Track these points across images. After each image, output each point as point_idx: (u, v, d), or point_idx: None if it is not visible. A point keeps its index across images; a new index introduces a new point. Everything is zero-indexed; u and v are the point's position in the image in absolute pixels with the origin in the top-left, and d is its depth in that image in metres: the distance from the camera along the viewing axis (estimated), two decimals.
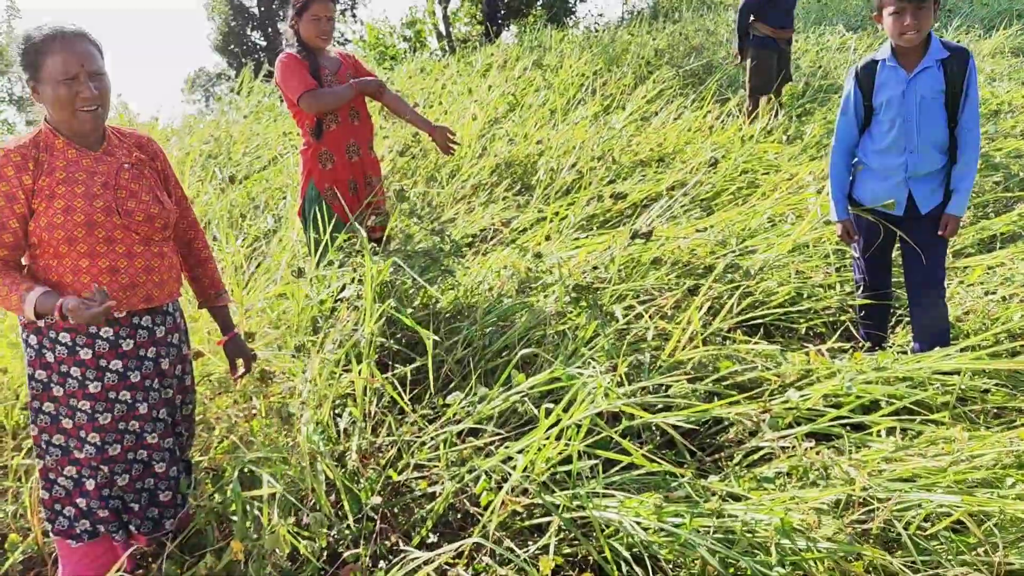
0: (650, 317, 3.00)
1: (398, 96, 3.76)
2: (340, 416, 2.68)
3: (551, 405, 2.37)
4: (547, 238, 3.64)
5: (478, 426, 2.48)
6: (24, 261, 2.02)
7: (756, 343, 3.06)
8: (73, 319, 1.76)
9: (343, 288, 3.16)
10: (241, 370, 2.40)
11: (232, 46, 25.69)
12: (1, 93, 17.84)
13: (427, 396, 2.92)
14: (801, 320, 3.44)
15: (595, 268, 3.17)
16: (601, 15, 16.56)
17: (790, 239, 3.56)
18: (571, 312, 2.94)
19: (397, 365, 3.10)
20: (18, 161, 1.92)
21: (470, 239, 4.60)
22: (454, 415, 2.83)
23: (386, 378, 2.94)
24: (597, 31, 10.73)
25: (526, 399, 2.57)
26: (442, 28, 13.96)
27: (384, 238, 3.89)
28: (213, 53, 26.35)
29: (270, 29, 25.87)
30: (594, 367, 2.38)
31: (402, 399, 2.67)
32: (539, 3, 15.65)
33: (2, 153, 1.91)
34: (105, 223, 1.96)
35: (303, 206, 3.67)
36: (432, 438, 2.56)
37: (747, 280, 3.29)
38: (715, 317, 3.29)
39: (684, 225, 3.88)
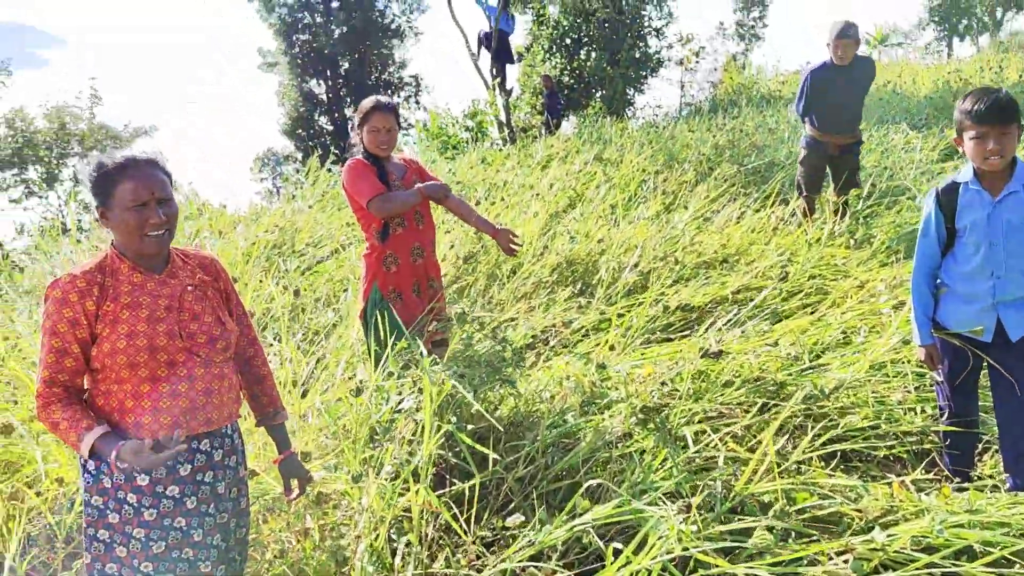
0: (721, 440, 2.86)
1: (462, 200, 3.78)
2: (395, 539, 2.58)
3: (619, 546, 2.23)
4: (611, 348, 3.54)
5: (535, 564, 2.34)
6: (85, 385, 2.01)
7: (834, 472, 2.88)
8: (132, 464, 1.73)
9: (401, 399, 3.09)
10: (296, 492, 2.33)
11: (300, 130, 26.69)
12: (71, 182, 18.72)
13: (487, 514, 2.81)
14: (881, 446, 3.24)
15: (662, 384, 3.06)
16: (659, 107, 16.78)
17: (867, 357, 3.40)
18: (638, 434, 2.81)
19: (455, 480, 3.00)
20: (83, 287, 1.92)
21: (530, 339, 4.53)
22: (513, 540, 2.71)
23: (443, 495, 2.84)
24: (655, 126, 10.84)
25: (590, 531, 2.44)
26: (503, 118, 14.29)
27: (443, 340, 3.85)
28: (281, 136, 27.40)
29: (336, 114, 26.89)
30: (665, 505, 2.25)
31: (458, 524, 2.56)
32: (598, 96, 15.95)
33: (68, 279, 1.92)
34: (168, 347, 1.96)
35: (365, 308, 3.67)
36: (491, 569, 2.43)
37: (822, 400, 3.13)
38: (789, 440, 3.13)
39: (752, 336, 3.75)
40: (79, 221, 11.94)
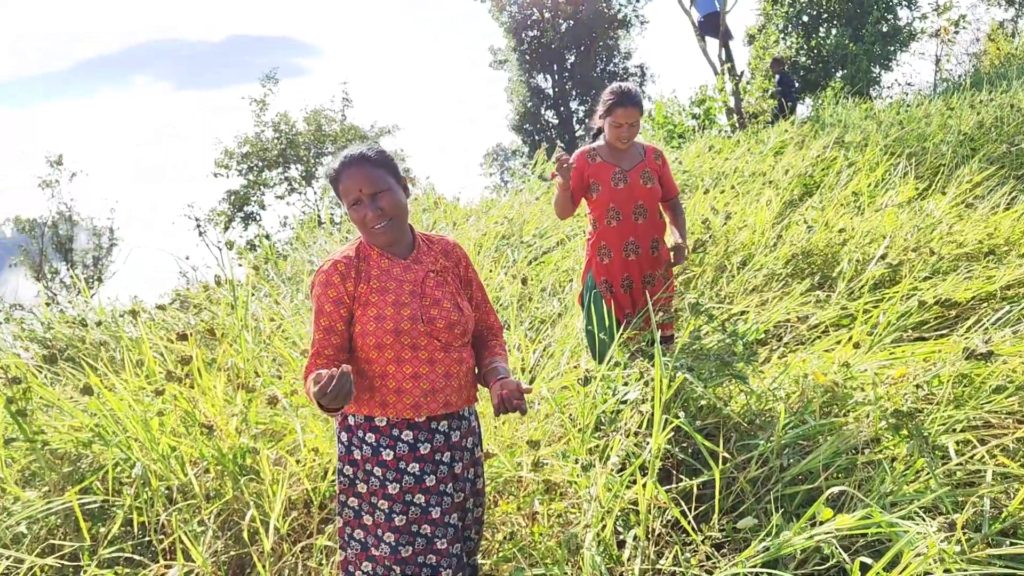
0: (988, 452, 2.53)
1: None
2: (622, 531, 2.55)
3: (867, 560, 2.04)
4: (856, 345, 3.26)
5: (770, 571, 2.20)
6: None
7: None
8: (324, 401, 1.80)
9: (628, 390, 3.05)
10: (505, 395, 2.06)
11: (527, 125, 27.45)
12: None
13: (716, 514, 2.70)
14: None
15: (918, 387, 2.76)
16: (910, 84, 15.26)
17: None
18: (888, 440, 2.56)
19: (683, 476, 2.92)
20: (343, 270, 2.08)
21: (762, 335, 4.30)
22: (744, 544, 2.58)
23: (670, 490, 2.77)
24: (906, 104, 9.86)
25: (833, 541, 2.25)
26: (732, 103, 13.73)
27: (672, 336, 3.76)
28: (510, 132, 28.34)
29: (562, 108, 27.33)
30: (922, 520, 2.02)
31: (687, 521, 2.48)
32: (839, 74, 14.83)
33: (330, 264, 2.09)
34: (411, 330, 2.05)
35: (583, 293, 3.70)
36: (722, 572, 2.33)
37: None
38: None
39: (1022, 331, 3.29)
40: (332, 215, 13.13)
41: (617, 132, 3.47)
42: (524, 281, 5.01)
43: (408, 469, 2.09)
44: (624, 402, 3.08)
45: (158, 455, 3.00)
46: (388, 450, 2.08)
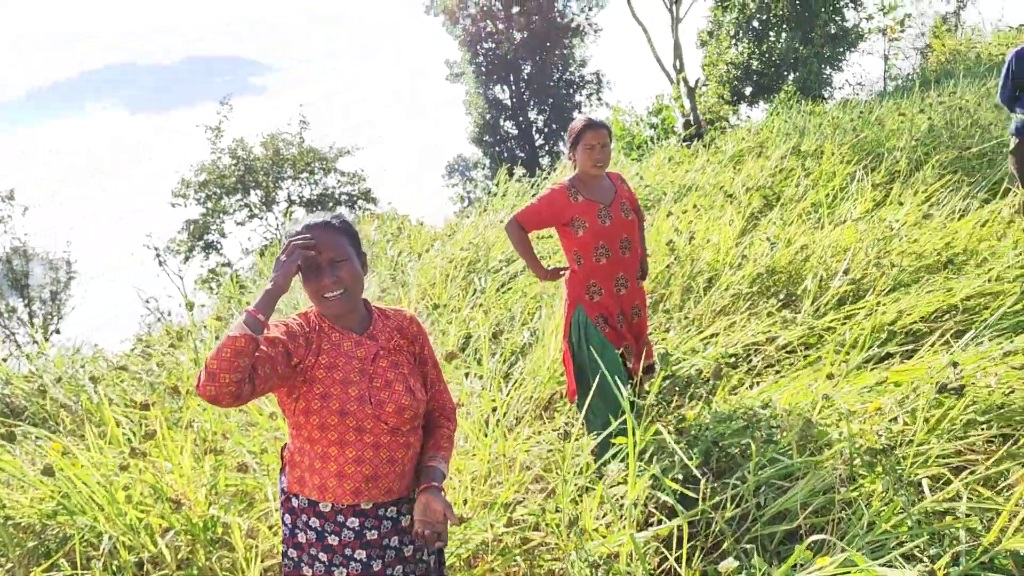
0: (964, 484, 2.56)
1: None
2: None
3: None
4: (829, 376, 3.29)
5: None
6: (289, 438, 2.06)
7: None
8: (281, 273, 1.81)
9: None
10: (426, 531, 1.99)
11: (487, 136, 27.47)
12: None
13: (697, 555, 2.69)
14: None
15: (892, 420, 2.78)
16: (860, 84, 15.55)
17: None
18: (864, 478, 2.58)
19: (664, 518, 2.91)
20: (295, 329, 1.96)
21: (731, 359, 4.32)
22: None
23: (650, 536, 2.76)
24: (859, 108, 10.03)
25: None
26: (688, 109, 13.88)
27: (651, 365, 3.78)
28: (470, 144, 28.33)
29: (521, 118, 27.41)
30: (902, 564, 2.03)
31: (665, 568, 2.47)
32: (791, 77, 15.07)
33: (290, 318, 2.00)
34: (357, 412, 1.95)
35: (569, 330, 3.62)
36: None
37: None
38: None
39: (993, 355, 3.34)
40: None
41: (590, 154, 3.45)
42: (495, 336, 4.99)
43: (355, 556, 2.00)
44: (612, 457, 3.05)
45: (126, 526, 2.92)
46: (333, 536, 1.99)
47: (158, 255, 17.62)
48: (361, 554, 2.00)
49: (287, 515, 2.06)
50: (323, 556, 2.00)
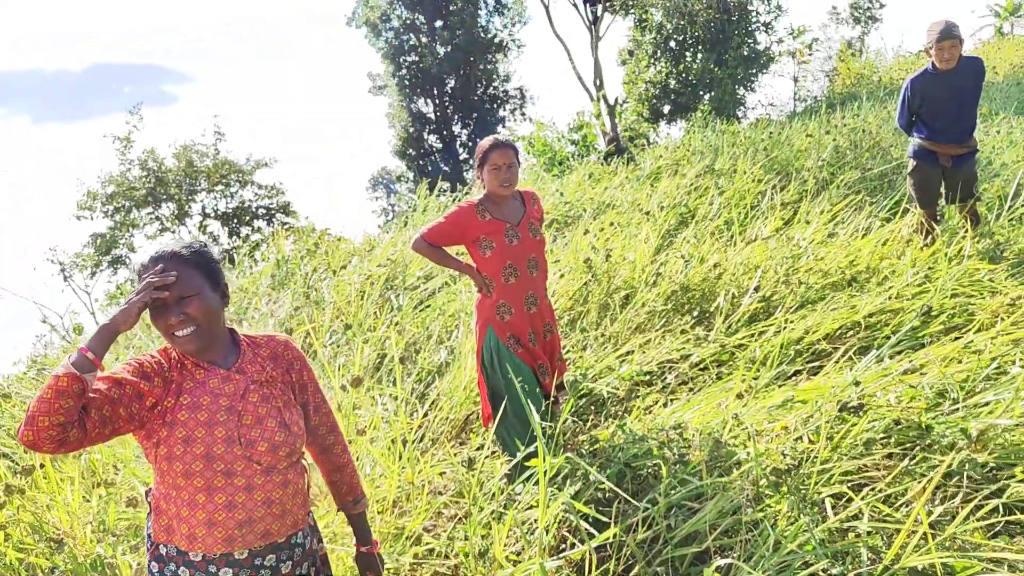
0: (865, 502, 2.61)
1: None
2: None
3: None
4: (738, 395, 3.33)
5: None
6: (154, 482, 1.93)
7: (998, 535, 2.58)
8: (123, 315, 1.71)
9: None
10: None
11: (410, 150, 27.33)
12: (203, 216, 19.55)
13: None
14: None
15: (797, 439, 2.83)
16: (772, 105, 16.11)
17: None
18: (770, 498, 2.60)
19: (577, 541, 2.88)
20: (148, 370, 1.83)
21: (646, 376, 4.35)
22: None
23: (565, 559, 2.73)
24: (769, 127, 10.36)
25: None
26: (609, 128, 14.08)
27: (562, 384, 3.77)
28: (393, 157, 28.14)
29: (445, 132, 27.38)
30: None
31: None
32: (707, 97, 15.50)
33: (146, 356, 1.86)
34: (224, 455, 1.82)
35: (482, 354, 3.58)
36: None
37: (980, 454, 2.82)
38: (941, 495, 2.83)
39: (892, 371, 3.44)
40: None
41: (496, 175, 3.43)
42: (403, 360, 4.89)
43: None
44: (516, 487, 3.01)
45: (5, 567, 2.72)
46: None
47: (63, 270, 16.83)
48: None
49: (154, 563, 1.90)
50: None
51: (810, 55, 16.82)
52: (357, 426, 3.43)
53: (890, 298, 4.47)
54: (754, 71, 15.55)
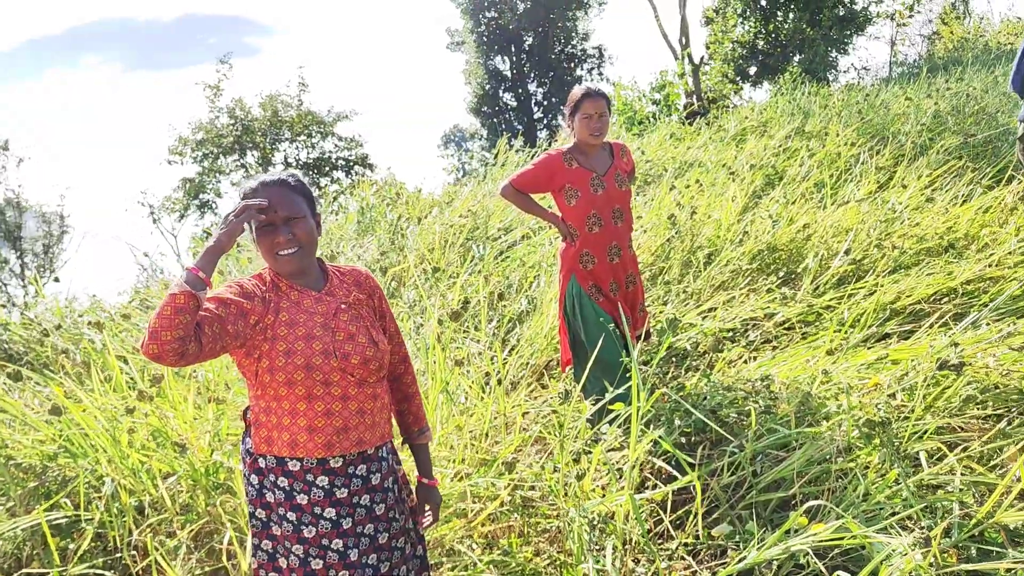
0: (958, 460, 2.60)
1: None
2: (600, 541, 2.56)
3: (843, 572, 2.08)
4: (829, 352, 3.31)
5: None
6: (249, 400, 2.07)
7: None
8: (231, 228, 1.83)
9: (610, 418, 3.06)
10: (429, 519, 2.27)
11: (485, 107, 27.28)
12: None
13: (691, 520, 2.73)
14: None
15: (891, 396, 2.81)
16: (866, 68, 15.50)
17: None
18: (861, 449, 2.61)
19: (659, 483, 2.95)
20: (250, 289, 1.96)
21: (729, 332, 4.35)
22: (720, 550, 2.62)
23: (646, 499, 2.80)
24: (864, 91, 10.01)
25: (810, 551, 2.29)
26: (692, 87, 13.80)
27: (647, 332, 3.81)
28: (468, 115, 28.15)
29: (520, 90, 27.22)
30: (897, 532, 2.07)
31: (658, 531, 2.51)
32: (796, 58, 14.99)
33: (244, 278, 1.99)
34: (322, 366, 1.96)
35: (564, 302, 3.65)
36: None
37: None
38: None
39: (992, 337, 3.37)
40: None
41: (588, 123, 3.47)
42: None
43: (324, 514, 1.99)
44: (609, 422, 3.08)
45: (128, 470, 2.94)
46: (302, 495, 1.99)
47: (152, 212, 17.55)
48: (331, 512, 2.00)
49: (254, 475, 2.04)
50: (291, 515, 1.99)
51: (910, 16, 16.07)
52: (455, 357, 3.55)
53: (990, 266, 4.35)
54: (849, 32, 14.90)
